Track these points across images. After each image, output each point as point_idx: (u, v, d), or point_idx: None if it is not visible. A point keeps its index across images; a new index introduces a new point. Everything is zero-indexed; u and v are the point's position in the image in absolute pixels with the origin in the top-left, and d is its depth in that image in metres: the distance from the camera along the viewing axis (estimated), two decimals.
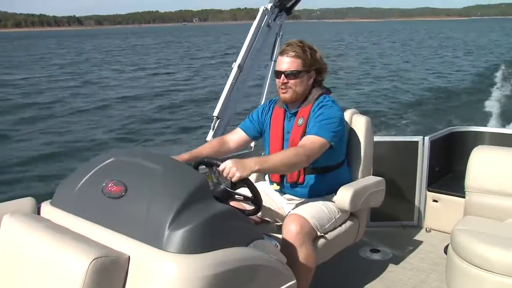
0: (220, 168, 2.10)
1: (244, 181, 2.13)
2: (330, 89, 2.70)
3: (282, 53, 2.56)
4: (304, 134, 2.51)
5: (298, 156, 2.29)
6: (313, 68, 2.57)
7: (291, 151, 2.33)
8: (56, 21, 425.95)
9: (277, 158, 2.26)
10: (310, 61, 2.54)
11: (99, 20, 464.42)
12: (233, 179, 2.06)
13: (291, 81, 2.53)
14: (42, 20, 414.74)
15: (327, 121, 2.45)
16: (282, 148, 2.62)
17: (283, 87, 2.55)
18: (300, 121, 2.57)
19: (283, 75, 2.53)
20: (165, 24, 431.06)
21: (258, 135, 2.78)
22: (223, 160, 2.15)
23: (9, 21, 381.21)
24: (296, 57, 2.51)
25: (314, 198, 2.61)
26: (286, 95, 2.56)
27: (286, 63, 2.52)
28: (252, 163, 2.11)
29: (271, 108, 2.75)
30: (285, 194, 2.70)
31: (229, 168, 2.06)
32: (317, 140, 2.40)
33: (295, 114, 2.63)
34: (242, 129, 2.77)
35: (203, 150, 2.62)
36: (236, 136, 2.77)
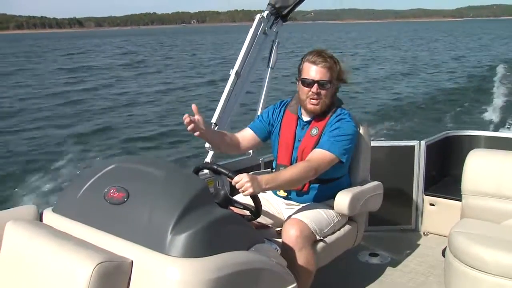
0: (235, 180, 2.14)
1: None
2: (341, 101, 2.71)
3: (314, 62, 2.53)
4: (316, 144, 2.53)
5: (306, 172, 2.36)
6: (339, 81, 2.60)
7: (300, 168, 2.37)
8: (58, 23, 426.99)
9: (287, 175, 2.32)
10: (338, 73, 2.57)
11: (99, 21, 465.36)
12: (244, 194, 2.13)
13: (323, 92, 2.53)
14: (44, 22, 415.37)
15: (342, 138, 2.48)
16: (291, 155, 2.63)
17: (315, 97, 2.53)
18: (314, 131, 2.58)
19: (316, 85, 2.51)
20: (164, 25, 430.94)
21: (268, 135, 2.76)
22: (235, 172, 2.19)
23: (11, 23, 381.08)
24: (329, 68, 2.52)
25: (313, 203, 2.63)
26: (318, 107, 2.55)
27: (320, 72, 2.51)
28: (264, 181, 2.19)
29: (282, 110, 2.74)
30: (287, 200, 2.72)
31: (245, 182, 2.11)
32: (327, 156, 2.44)
33: (308, 123, 2.63)
34: (252, 129, 2.74)
35: (217, 133, 2.64)
36: (246, 135, 2.73)
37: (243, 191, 2.12)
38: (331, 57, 2.56)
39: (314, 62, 2.53)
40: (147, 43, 68.79)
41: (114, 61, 36.20)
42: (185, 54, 44.06)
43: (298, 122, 2.67)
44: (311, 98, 2.54)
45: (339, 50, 37.51)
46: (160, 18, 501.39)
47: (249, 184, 2.11)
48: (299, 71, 2.60)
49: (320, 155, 2.43)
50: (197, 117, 2.33)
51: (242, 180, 2.12)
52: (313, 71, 2.52)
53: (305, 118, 2.65)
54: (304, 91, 2.55)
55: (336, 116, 2.58)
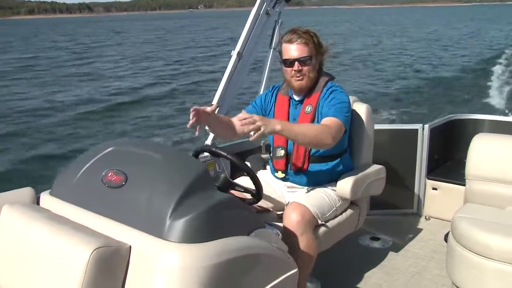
0: (242, 116, 2.05)
1: (247, 172, 2.13)
2: (333, 76, 2.69)
3: (289, 41, 2.52)
4: (312, 121, 2.50)
5: (324, 134, 2.28)
6: (320, 55, 2.58)
7: (318, 126, 2.32)
8: (68, 8, 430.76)
9: (303, 127, 2.26)
10: (317, 46, 2.55)
11: (107, 6, 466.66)
12: (254, 136, 2.03)
13: (305, 68, 2.51)
14: (54, 7, 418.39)
15: (341, 105, 2.46)
16: None
17: (298, 74, 2.52)
18: (308, 109, 2.56)
19: (297, 63, 2.50)
20: (171, 10, 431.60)
21: None
22: (235, 155, 2.15)
23: (21, 8, 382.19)
24: (305, 44, 2.50)
25: (315, 187, 2.60)
26: (303, 82, 2.54)
27: (296, 50, 2.50)
28: (277, 122, 2.12)
29: (274, 94, 2.73)
30: (287, 181, 2.68)
31: (255, 120, 2.03)
32: (338, 122, 2.40)
33: (301, 101, 2.61)
34: None
35: (225, 119, 2.60)
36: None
37: (253, 129, 2.01)
38: (305, 32, 2.53)
39: (290, 41, 2.53)
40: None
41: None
42: None
43: (291, 102, 2.66)
44: (295, 77, 2.53)
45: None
46: (167, 3, 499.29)
47: (260, 123, 2.02)
48: (280, 54, 2.60)
49: (332, 121, 2.38)
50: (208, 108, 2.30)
51: (252, 117, 2.03)
52: (291, 49, 2.52)
53: (297, 97, 2.63)
54: (287, 71, 2.55)
55: (327, 89, 2.56)
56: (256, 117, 2.05)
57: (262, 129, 2.03)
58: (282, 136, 2.23)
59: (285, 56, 2.54)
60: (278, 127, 2.10)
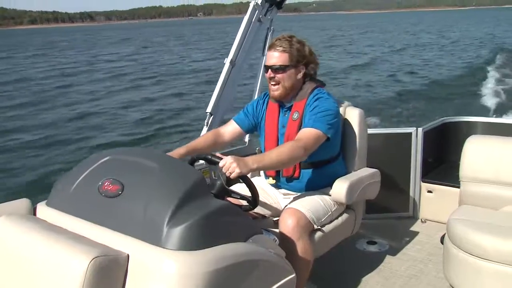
0: (220, 164, 2.08)
1: (244, 180, 2.13)
2: (324, 82, 2.70)
3: (270, 48, 2.57)
4: (299, 128, 2.50)
5: (295, 151, 2.28)
6: (301, 63, 2.56)
7: (287, 146, 2.32)
8: (70, 17, 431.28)
9: (274, 154, 2.25)
10: (297, 55, 2.54)
11: (107, 15, 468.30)
12: (232, 176, 2.05)
13: (278, 76, 2.52)
14: (57, 17, 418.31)
15: (323, 113, 2.45)
16: (278, 143, 2.61)
17: (272, 82, 2.55)
18: (295, 116, 2.57)
19: (270, 70, 2.53)
20: (171, 18, 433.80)
21: (253, 128, 2.77)
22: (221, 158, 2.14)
23: (24, 18, 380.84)
24: (283, 51, 2.51)
25: (310, 192, 2.61)
26: (275, 93, 2.56)
27: (274, 57, 2.53)
28: (250, 161, 2.12)
29: (265, 101, 2.75)
30: (280, 188, 2.70)
31: (230, 164, 2.05)
32: (314, 133, 2.39)
33: (289, 108, 2.62)
34: (236, 122, 2.76)
35: (199, 143, 2.62)
36: (230, 128, 2.76)
37: (231, 173, 2.06)
38: (288, 40, 2.54)
39: (270, 48, 2.57)
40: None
41: None
42: None
43: (280, 109, 2.67)
44: (270, 83, 2.57)
45: None
46: (167, 12, 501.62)
47: (234, 165, 2.05)
48: None
49: (306, 133, 2.40)
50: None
51: (226, 162, 2.07)
52: (269, 57, 2.56)
53: (285, 104, 2.65)
54: (266, 77, 2.59)
55: (314, 96, 2.56)
56: (229, 159, 2.07)
57: (237, 170, 2.05)
58: (261, 170, 2.35)
59: (265, 62, 2.60)
60: (254, 165, 2.12)
